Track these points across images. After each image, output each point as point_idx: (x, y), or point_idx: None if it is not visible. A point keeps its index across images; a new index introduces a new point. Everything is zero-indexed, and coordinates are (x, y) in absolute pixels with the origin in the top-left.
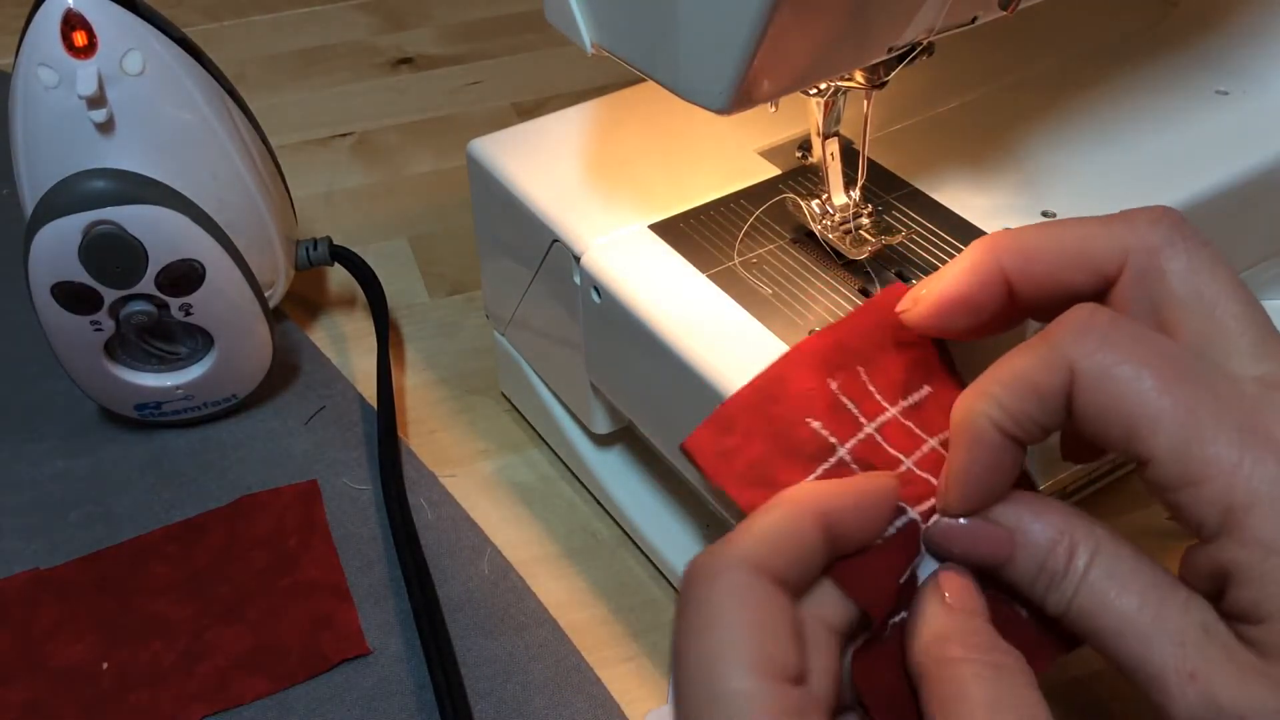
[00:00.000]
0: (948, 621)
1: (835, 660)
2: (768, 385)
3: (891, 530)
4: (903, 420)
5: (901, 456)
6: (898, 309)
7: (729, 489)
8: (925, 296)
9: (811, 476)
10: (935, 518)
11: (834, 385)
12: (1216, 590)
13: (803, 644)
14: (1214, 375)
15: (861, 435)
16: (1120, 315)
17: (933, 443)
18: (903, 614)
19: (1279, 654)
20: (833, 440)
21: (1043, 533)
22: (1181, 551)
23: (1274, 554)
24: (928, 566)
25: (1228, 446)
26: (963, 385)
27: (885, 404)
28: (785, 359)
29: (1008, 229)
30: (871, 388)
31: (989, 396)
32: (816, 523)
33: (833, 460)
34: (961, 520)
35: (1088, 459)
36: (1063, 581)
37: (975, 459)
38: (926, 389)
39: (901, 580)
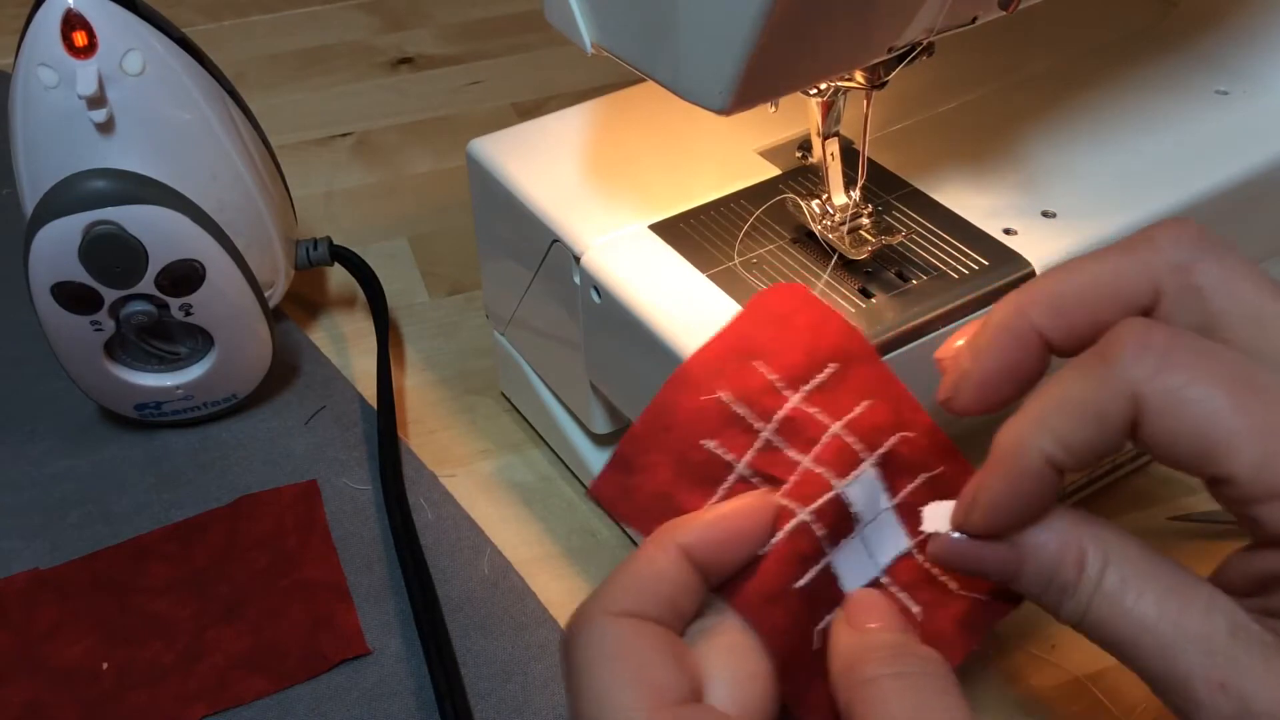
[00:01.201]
0: (855, 643)
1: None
2: (659, 413)
3: (778, 538)
4: (805, 408)
5: (799, 457)
6: (939, 399)
7: (636, 526)
8: (966, 381)
9: (713, 499)
10: (936, 534)
11: (724, 395)
12: (1262, 588)
13: (688, 664)
14: None
15: (759, 444)
16: (1174, 328)
17: (835, 429)
18: (828, 618)
19: None
20: (729, 458)
21: (1049, 544)
22: (1184, 551)
23: None
24: (847, 560)
25: None
26: (874, 353)
27: (786, 391)
28: (671, 381)
29: (1033, 281)
30: (771, 376)
31: (1045, 427)
32: (677, 558)
33: (731, 479)
34: (958, 535)
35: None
36: (1076, 592)
37: (1017, 491)
38: (831, 367)
39: (799, 584)
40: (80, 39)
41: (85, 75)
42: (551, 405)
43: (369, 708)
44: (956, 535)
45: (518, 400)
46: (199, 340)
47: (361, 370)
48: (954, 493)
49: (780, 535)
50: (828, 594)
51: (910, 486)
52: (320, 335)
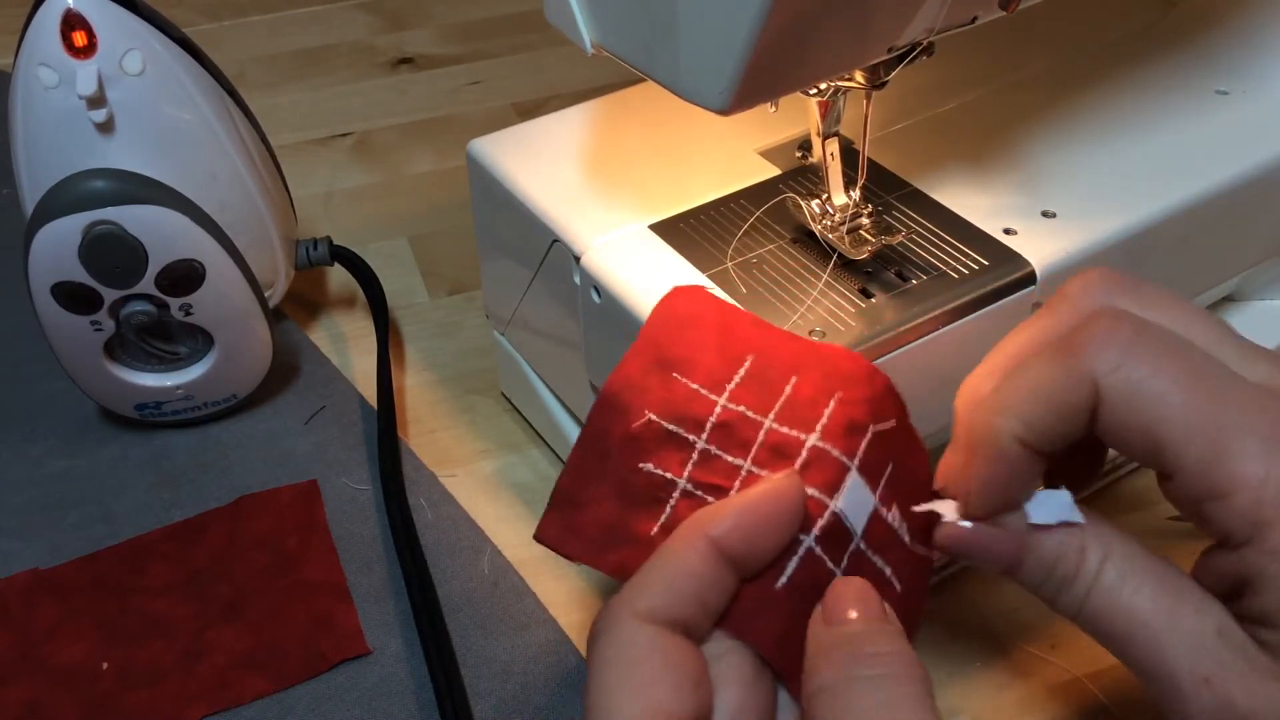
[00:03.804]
0: (826, 639)
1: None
2: (593, 443)
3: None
4: (733, 407)
5: (739, 462)
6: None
7: (588, 562)
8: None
9: (661, 519)
10: (945, 519)
11: (653, 415)
12: (1233, 592)
13: (702, 683)
14: (1237, 384)
15: (695, 456)
16: (1142, 321)
17: (767, 424)
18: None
19: None
20: (668, 475)
21: (1052, 537)
22: (1184, 551)
23: None
24: (828, 539)
25: (1254, 460)
26: (787, 332)
27: (712, 396)
28: (597, 408)
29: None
30: (694, 385)
31: (1011, 412)
32: (707, 552)
33: (676, 495)
34: (967, 524)
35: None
36: (1074, 584)
37: (999, 472)
38: (749, 359)
39: (781, 582)
40: (80, 39)
41: (85, 75)
42: (551, 405)
43: (369, 708)
44: (967, 524)
45: (518, 400)
46: (199, 340)
47: (361, 370)
48: (903, 439)
49: None
50: (821, 581)
51: (863, 444)
52: (320, 335)
